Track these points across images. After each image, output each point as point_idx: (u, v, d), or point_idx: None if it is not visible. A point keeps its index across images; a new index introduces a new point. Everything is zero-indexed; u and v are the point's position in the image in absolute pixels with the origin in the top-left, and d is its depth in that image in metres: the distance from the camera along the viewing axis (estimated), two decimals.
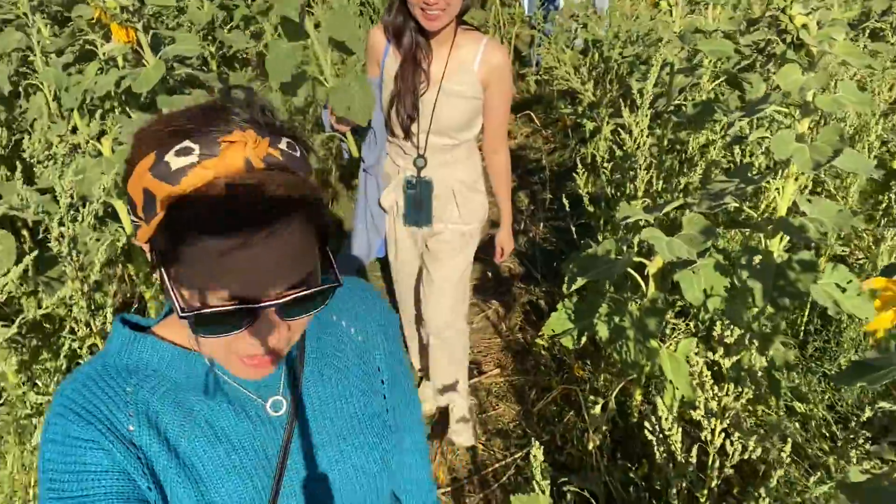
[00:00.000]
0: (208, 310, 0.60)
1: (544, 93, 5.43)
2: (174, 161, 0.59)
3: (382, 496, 0.83)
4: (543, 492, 1.23)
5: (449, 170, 1.99)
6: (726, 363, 1.30)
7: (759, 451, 1.23)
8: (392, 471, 0.85)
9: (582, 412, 2.29)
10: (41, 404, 1.75)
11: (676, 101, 2.64)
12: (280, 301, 0.61)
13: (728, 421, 1.27)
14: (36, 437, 1.80)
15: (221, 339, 0.63)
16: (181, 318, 0.60)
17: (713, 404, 1.26)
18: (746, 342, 1.33)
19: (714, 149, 2.40)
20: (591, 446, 2.19)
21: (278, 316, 0.63)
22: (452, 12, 1.73)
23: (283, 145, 0.63)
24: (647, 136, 2.14)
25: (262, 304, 0.61)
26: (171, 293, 0.62)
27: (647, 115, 2.01)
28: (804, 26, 1.66)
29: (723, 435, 1.28)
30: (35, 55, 2.62)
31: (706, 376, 1.26)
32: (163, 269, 0.63)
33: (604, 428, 2.21)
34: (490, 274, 3.42)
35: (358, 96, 1.87)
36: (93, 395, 0.69)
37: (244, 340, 0.64)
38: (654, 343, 1.84)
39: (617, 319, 1.83)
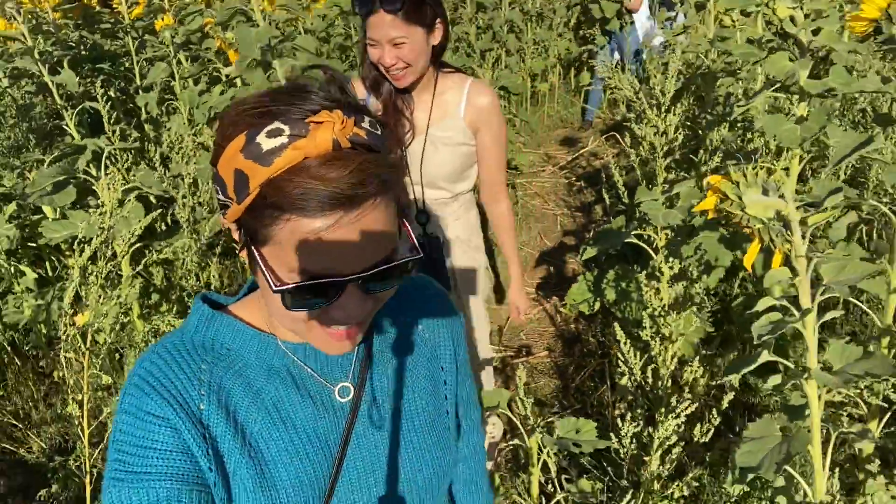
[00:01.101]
0: (300, 284, 0.62)
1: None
2: (265, 142, 0.60)
3: (438, 494, 0.84)
4: (525, 405, 1.51)
5: (444, 226, 1.87)
6: (671, 292, 1.50)
7: (700, 371, 1.42)
8: (448, 471, 0.86)
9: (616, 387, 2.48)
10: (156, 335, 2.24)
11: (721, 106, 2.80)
12: (367, 274, 0.63)
13: (678, 347, 1.46)
14: None
15: (305, 313, 0.65)
16: (275, 292, 0.62)
17: (665, 331, 1.46)
18: (688, 274, 1.52)
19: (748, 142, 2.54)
20: (615, 412, 2.38)
21: (362, 290, 0.65)
22: (417, 69, 1.65)
23: (366, 124, 0.64)
24: (677, 131, 2.35)
25: (350, 278, 0.63)
26: (263, 271, 0.63)
27: (664, 109, 2.23)
28: (791, 18, 1.83)
29: (675, 359, 1.48)
30: (175, 81, 3.28)
31: (656, 306, 1.47)
32: (253, 248, 0.65)
33: (629, 398, 2.39)
34: (552, 270, 3.66)
35: None
36: (169, 370, 0.71)
37: (329, 313, 0.66)
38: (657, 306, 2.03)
39: (624, 285, 2.05)
